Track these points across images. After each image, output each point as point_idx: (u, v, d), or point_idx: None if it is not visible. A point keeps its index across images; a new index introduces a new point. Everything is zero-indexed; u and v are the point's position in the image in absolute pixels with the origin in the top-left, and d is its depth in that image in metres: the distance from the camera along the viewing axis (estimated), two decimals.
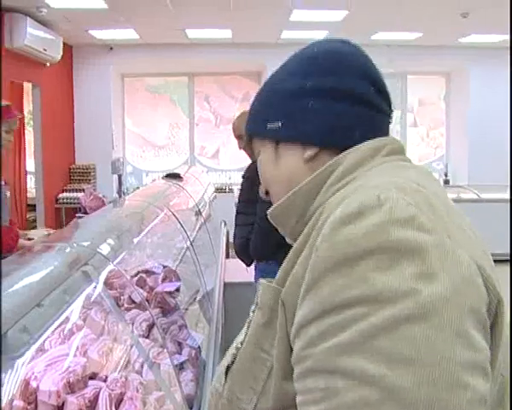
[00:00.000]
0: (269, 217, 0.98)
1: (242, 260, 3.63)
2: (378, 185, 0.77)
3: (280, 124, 0.96)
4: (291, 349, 0.78)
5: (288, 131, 0.96)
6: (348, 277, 0.69)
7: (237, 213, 3.63)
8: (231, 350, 0.96)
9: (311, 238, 0.81)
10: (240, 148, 3.70)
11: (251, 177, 3.40)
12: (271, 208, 0.98)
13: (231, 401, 0.90)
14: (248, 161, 3.61)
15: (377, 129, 0.96)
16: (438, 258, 0.68)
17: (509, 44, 7.46)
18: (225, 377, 0.93)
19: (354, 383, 0.66)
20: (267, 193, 1.08)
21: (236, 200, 3.70)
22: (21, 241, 3.27)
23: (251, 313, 0.95)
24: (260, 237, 3.31)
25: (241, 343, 0.92)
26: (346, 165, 0.89)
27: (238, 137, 3.69)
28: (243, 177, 3.60)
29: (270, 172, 1.02)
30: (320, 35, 7.87)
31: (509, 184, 7.56)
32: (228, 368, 0.93)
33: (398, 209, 0.71)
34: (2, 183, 3.29)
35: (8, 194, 3.61)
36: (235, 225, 3.67)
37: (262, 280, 0.91)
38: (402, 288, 0.66)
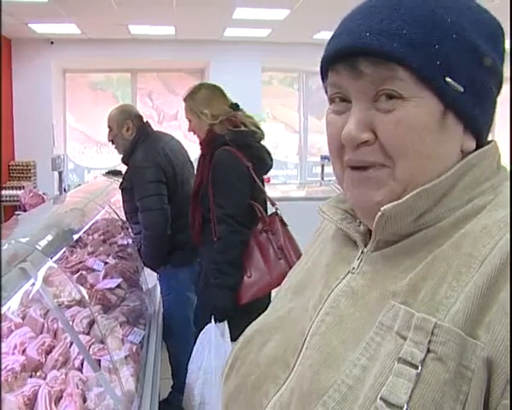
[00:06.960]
0: (379, 213, 0.69)
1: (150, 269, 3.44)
2: None
3: (462, 89, 0.67)
4: None
5: (470, 105, 0.69)
6: None
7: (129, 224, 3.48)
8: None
9: (454, 264, 0.64)
10: (109, 140, 3.47)
11: (128, 187, 3.19)
12: (387, 206, 0.69)
13: None
14: None
15: None
16: None
17: None
18: None
19: None
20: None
21: None
22: None
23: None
24: (147, 246, 3.16)
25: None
26: (481, 170, 0.71)
27: (108, 127, 3.45)
28: (121, 188, 3.33)
29: (424, 141, 0.69)
30: (263, 33, 7.94)
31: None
32: None
33: None
34: None
35: None
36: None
37: (427, 317, 0.61)
38: None
